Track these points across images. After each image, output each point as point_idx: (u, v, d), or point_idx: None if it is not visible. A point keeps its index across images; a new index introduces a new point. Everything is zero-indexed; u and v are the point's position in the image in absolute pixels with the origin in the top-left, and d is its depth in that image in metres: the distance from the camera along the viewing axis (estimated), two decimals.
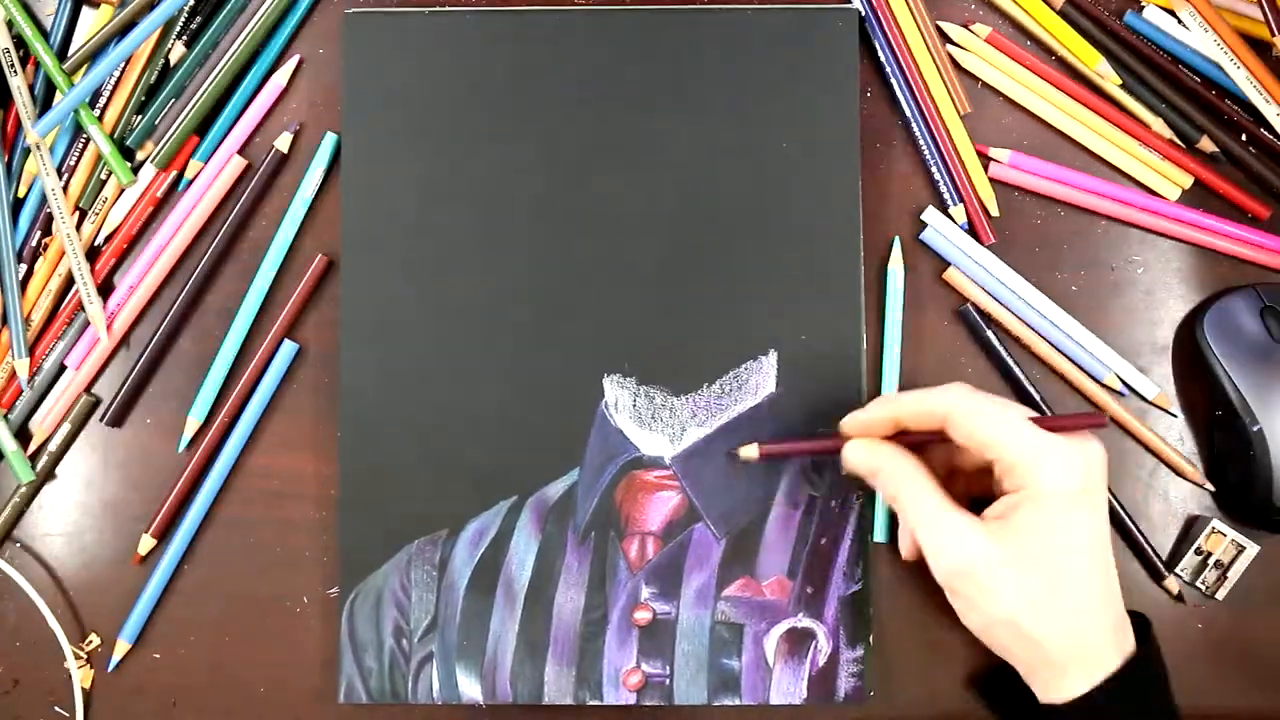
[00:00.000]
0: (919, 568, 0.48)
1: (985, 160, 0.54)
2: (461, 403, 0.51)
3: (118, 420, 0.53)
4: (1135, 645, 0.44)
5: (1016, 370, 0.53)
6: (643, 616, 0.51)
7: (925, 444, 0.48)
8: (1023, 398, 0.53)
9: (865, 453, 0.47)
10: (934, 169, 0.54)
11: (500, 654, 0.50)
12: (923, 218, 0.54)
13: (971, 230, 0.54)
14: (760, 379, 0.52)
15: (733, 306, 0.52)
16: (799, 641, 0.51)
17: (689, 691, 0.50)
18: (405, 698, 0.50)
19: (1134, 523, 0.53)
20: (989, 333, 0.53)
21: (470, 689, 0.50)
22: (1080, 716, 0.43)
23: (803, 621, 0.51)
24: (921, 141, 0.54)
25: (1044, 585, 0.43)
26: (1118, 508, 0.53)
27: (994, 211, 0.54)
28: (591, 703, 0.50)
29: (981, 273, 0.53)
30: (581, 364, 0.52)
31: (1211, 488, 0.53)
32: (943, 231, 0.54)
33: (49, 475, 0.54)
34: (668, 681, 0.50)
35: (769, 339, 0.52)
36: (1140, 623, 0.46)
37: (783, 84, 0.52)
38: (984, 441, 0.44)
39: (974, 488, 0.48)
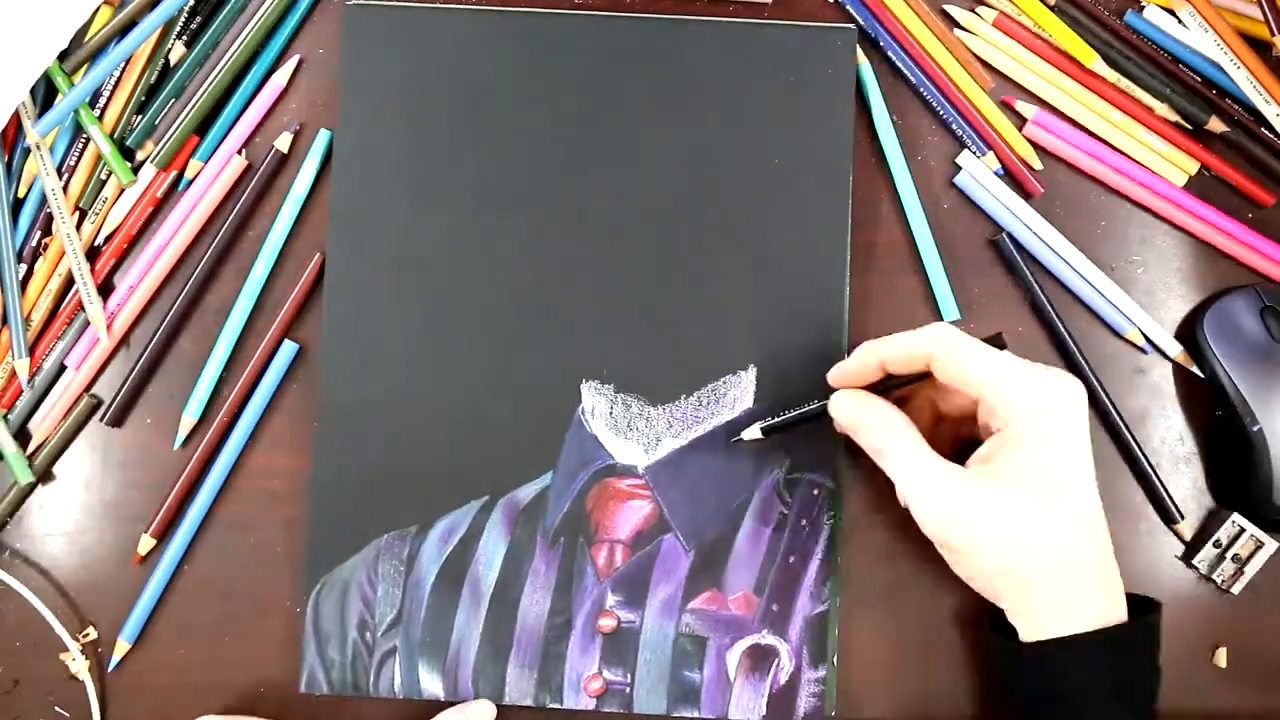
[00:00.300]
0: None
1: (1018, 122, 0.55)
2: (438, 400, 0.52)
3: (118, 420, 0.54)
4: (1128, 616, 0.44)
5: (1045, 302, 0.53)
6: (607, 624, 0.51)
7: (912, 393, 0.48)
8: (1051, 333, 0.53)
9: (849, 404, 0.47)
10: (959, 131, 0.54)
11: (463, 652, 0.51)
12: (957, 160, 0.54)
13: (1013, 183, 0.54)
14: (738, 393, 0.51)
15: (715, 319, 0.52)
16: (761, 658, 0.50)
17: (649, 701, 0.50)
18: (367, 690, 0.51)
19: (1169, 494, 0.53)
20: (1021, 264, 0.53)
21: (431, 685, 0.51)
22: (1054, 661, 0.42)
23: (766, 638, 0.51)
24: (945, 115, 0.54)
25: (1029, 526, 0.42)
26: (1154, 481, 0.53)
27: (1036, 165, 0.54)
28: (551, 706, 0.51)
29: (1010, 218, 0.54)
30: (561, 368, 0.52)
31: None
32: (975, 175, 0.54)
33: (45, 474, 0.54)
34: (628, 690, 0.51)
35: (749, 354, 0.52)
36: (1146, 604, 0.46)
37: (778, 101, 0.52)
38: (967, 380, 0.43)
39: (962, 432, 0.48)
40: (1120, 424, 0.53)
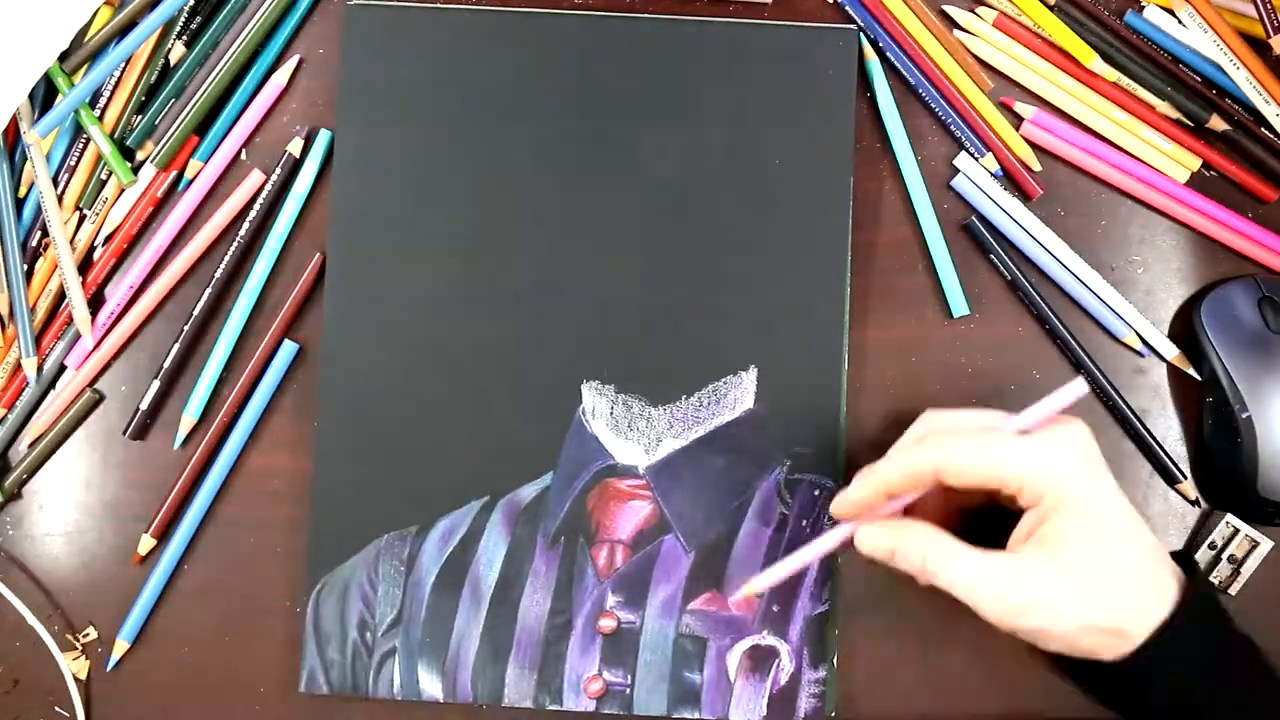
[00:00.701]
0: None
1: (1015, 122, 0.55)
2: (439, 401, 0.52)
3: (127, 428, 0.54)
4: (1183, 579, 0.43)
5: (1024, 281, 0.53)
6: (607, 624, 0.51)
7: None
8: (1033, 312, 0.53)
9: (880, 536, 0.45)
10: (957, 132, 0.54)
11: (463, 653, 0.51)
12: (955, 163, 0.54)
13: (1012, 185, 0.54)
14: (739, 394, 0.51)
15: (716, 320, 0.52)
16: (762, 659, 0.50)
17: (649, 702, 0.50)
18: (366, 691, 0.51)
19: (1168, 454, 0.53)
20: (998, 247, 0.53)
21: (431, 686, 0.51)
22: (1146, 665, 0.41)
23: (767, 639, 0.51)
24: (943, 116, 0.54)
25: (1103, 579, 0.41)
26: (1150, 443, 0.53)
27: (1034, 166, 0.54)
28: (551, 707, 0.51)
29: (1009, 222, 0.54)
30: (561, 369, 0.52)
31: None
32: (972, 177, 0.54)
33: (46, 474, 0.54)
34: (628, 691, 0.51)
35: (750, 354, 0.52)
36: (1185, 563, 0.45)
37: (779, 101, 0.52)
38: (982, 478, 0.43)
39: (964, 502, 0.47)
40: (1123, 405, 0.53)
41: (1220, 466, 0.52)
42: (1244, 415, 0.50)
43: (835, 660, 0.51)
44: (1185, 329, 0.53)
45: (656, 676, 0.51)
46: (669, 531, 0.51)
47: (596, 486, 0.51)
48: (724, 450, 0.51)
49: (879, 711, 0.52)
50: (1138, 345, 0.53)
